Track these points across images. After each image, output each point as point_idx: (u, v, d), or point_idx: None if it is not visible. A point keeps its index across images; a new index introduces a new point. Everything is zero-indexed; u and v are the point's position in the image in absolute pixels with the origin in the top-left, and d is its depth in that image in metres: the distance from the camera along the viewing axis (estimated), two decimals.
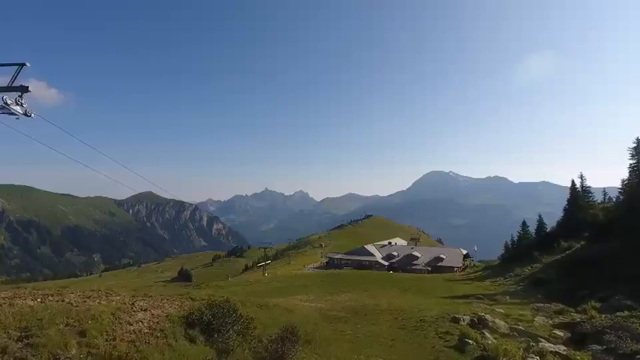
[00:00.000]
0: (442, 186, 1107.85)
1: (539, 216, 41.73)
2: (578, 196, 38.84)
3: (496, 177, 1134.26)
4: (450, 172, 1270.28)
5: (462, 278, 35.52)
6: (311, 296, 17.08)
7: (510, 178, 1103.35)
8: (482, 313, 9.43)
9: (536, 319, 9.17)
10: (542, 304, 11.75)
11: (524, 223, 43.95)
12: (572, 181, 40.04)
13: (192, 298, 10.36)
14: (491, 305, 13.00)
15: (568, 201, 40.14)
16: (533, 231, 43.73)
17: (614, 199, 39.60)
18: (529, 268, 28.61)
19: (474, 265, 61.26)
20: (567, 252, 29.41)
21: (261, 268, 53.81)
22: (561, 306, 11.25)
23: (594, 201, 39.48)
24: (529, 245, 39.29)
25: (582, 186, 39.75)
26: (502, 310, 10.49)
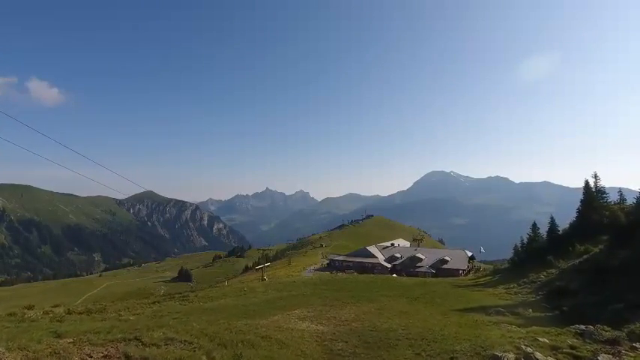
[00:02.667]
0: (443, 186, 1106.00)
1: (551, 217, 39.83)
2: (593, 196, 36.98)
3: (497, 177, 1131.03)
4: (451, 172, 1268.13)
5: (472, 283, 33.67)
6: (311, 311, 15.22)
7: (511, 178, 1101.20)
8: (529, 348, 7.57)
9: (600, 358, 7.35)
10: (585, 328, 9.96)
11: (534, 224, 42.05)
12: (586, 181, 38.20)
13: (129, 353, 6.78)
14: (524, 328, 11.17)
15: (581, 201, 38.26)
16: (543, 233, 41.93)
17: (629, 200, 37.73)
18: (544, 273, 26.76)
19: (482, 269, 59.35)
20: (585, 256, 27.56)
21: (260, 270, 52.07)
22: (609, 330, 9.44)
23: (609, 202, 37.61)
24: (540, 248, 37.40)
25: (596, 186, 37.89)
26: (547, 340, 8.67)
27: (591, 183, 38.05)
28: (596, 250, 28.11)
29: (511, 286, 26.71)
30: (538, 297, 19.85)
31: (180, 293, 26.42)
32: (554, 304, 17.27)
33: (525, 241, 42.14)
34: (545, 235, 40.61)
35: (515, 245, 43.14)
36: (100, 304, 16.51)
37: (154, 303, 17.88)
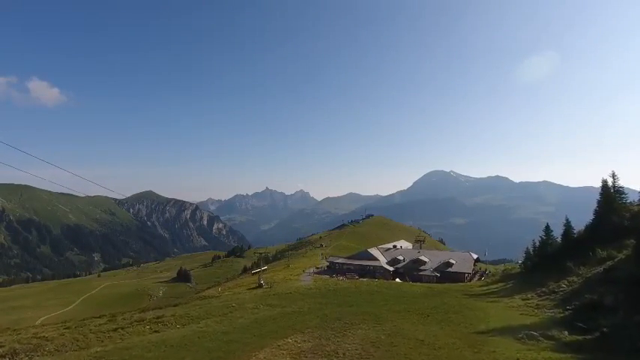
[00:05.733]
0: (443, 185, 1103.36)
1: (566, 219, 37.32)
2: (612, 197, 34.49)
3: (497, 176, 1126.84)
4: (451, 171, 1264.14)
5: (483, 292, 31.23)
6: (307, 339, 12.77)
7: (511, 178, 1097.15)
8: None
9: None
10: None
11: (547, 226, 39.53)
12: (604, 181, 35.72)
13: None
14: None
15: (599, 202, 35.81)
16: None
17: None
18: (565, 282, 24.35)
19: (488, 272, 56.91)
20: (609, 263, 25.15)
21: (257, 274, 49.76)
22: None
23: (630, 202, 35.14)
24: (555, 253, 35.02)
25: (614, 186, 35.41)
26: None
27: (609, 182, 35.51)
28: (621, 256, 25.68)
29: (529, 296, 24.29)
30: (567, 312, 17.47)
31: (161, 308, 23.84)
32: (590, 323, 14.89)
33: (537, 244, 39.67)
34: (558, 238, 38.23)
35: (527, 249, 40.58)
36: (38, 338, 13.95)
37: (115, 330, 15.28)
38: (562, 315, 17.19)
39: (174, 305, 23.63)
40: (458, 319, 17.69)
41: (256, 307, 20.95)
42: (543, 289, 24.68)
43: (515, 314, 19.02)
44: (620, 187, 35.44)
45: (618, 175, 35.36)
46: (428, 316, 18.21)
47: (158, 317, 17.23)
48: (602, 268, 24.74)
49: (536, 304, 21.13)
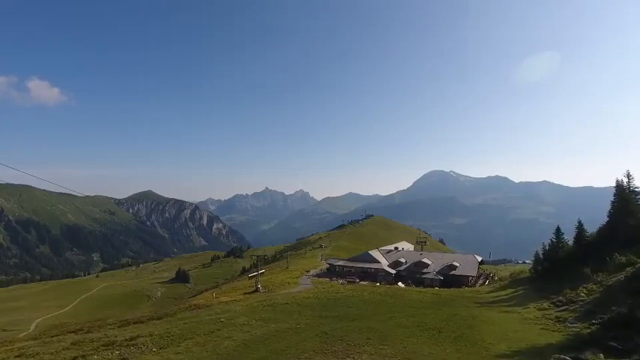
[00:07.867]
0: (443, 185, 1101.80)
1: (579, 221, 35.52)
2: (628, 198, 32.71)
3: (497, 176, 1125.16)
4: (451, 171, 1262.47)
5: (494, 299, 29.47)
6: None
7: (511, 178, 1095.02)
8: None
9: None
10: None
11: (558, 229, 37.73)
12: (618, 181, 33.98)
13: None
14: None
15: (613, 204, 34.07)
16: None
17: None
18: (584, 291, 22.63)
19: (493, 275, 55.26)
20: (629, 269, 23.43)
21: (254, 278, 48.11)
22: None
23: None
24: (568, 257, 33.28)
25: (629, 187, 33.67)
26: None
27: (624, 183, 33.75)
28: None
29: (545, 305, 22.54)
30: (594, 328, 15.76)
31: (143, 322, 21.96)
32: (625, 342, 13.17)
33: (547, 247, 37.86)
34: (569, 241, 36.48)
35: (537, 252, 38.75)
36: None
37: (74, 359, 13.63)
38: (589, 331, 15.47)
39: (158, 318, 21.87)
40: (474, 335, 15.97)
41: (247, 323, 18.97)
42: (560, 298, 22.92)
43: (535, 329, 17.29)
44: (636, 188, 33.65)
45: (633, 175, 33.67)
46: (440, 332, 16.46)
47: (132, 338, 15.30)
48: (623, 276, 23.01)
49: (556, 316, 19.37)
